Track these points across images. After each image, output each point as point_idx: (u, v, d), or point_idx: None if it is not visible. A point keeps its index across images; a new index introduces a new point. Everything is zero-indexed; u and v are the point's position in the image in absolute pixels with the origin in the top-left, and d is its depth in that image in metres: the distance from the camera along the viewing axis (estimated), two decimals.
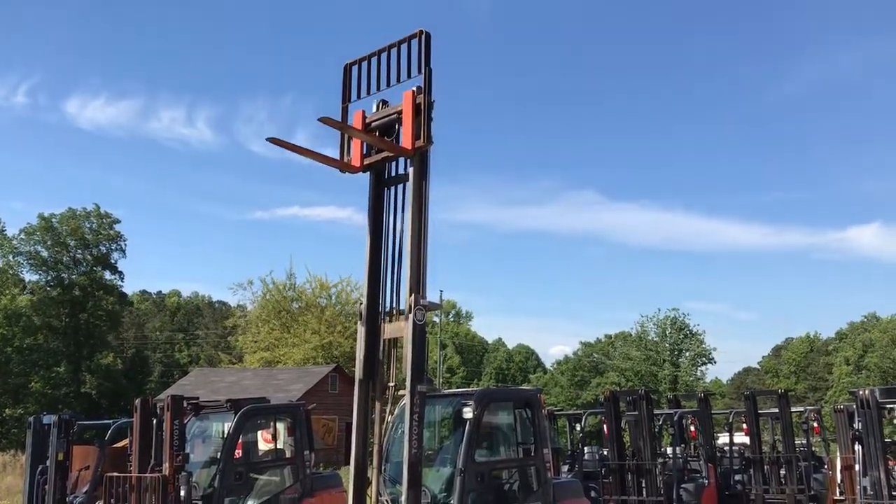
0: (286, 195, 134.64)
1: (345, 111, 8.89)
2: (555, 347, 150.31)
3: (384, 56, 8.69)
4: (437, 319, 60.74)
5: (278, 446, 12.35)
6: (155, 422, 10.76)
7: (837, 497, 15.02)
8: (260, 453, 12.47)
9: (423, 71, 8.16)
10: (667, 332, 73.20)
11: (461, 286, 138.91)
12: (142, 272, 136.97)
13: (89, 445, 13.67)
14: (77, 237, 57.57)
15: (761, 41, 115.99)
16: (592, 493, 13.30)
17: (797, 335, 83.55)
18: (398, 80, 8.55)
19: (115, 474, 10.76)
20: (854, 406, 8.39)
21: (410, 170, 8.14)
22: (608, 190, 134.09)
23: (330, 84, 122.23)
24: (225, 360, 54.62)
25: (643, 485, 13.78)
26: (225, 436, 11.37)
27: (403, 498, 7.71)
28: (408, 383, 7.85)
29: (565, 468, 16.56)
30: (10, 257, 57.26)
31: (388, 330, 8.20)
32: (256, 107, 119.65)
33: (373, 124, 8.57)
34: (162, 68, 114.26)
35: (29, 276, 58.69)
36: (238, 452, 11.49)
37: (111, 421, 13.20)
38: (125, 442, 13.19)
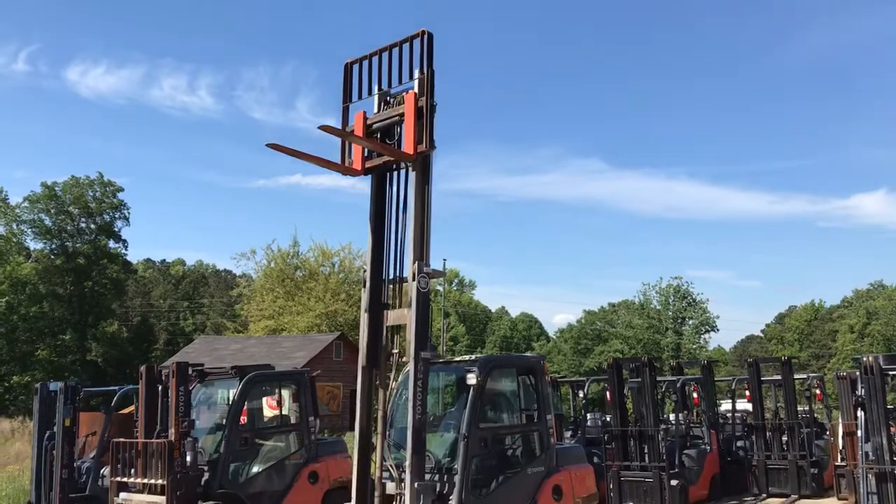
0: (289, 163, 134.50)
1: (345, 111, 8.77)
2: (558, 316, 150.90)
3: (385, 55, 8.54)
4: (440, 288, 60.84)
5: (283, 413, 12.44)
6: (160, 388, 10.83)
7: (839, 463, 15.15)
8: (265, 419, 12.57)
9: (425, 72, 8.08)
10: (669, 301, 73.36)
11: (464, 255, 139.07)
12: (145, 241, 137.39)
13: (96, 412, 13.79)
14: (80, 205, 57.59)
15: (766, 8, 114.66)
16: (595, 459, 13.38)
17: (801, 303, 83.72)
18: (400, 82, 8.44)
19: (122, 440, 10.87)
20: (857, 373, 8.40)
21: (412, 174, 8.09)
22: (612, 158, 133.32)
23: (331, 51, 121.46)
24: (230, 329, 54.92)
25: (645, 451, 13.87)
26: (230, 402, 11.45)
27: (407, 463, 7.77)
28: (411, 350, 7.88)
29: (568, 434, 16.66)
30: (14, 225, 57.36)
31: (391, 317, 8.23)
32: (258, 74, 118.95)
33: (374, 126, 8.48)
34: (162, 35, 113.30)
35: (33, 245, 58.91)
36: (243, 419, 11.58)
37: (117, 388, 13.30)
38: (131, 408, 13.30)
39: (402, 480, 7.89)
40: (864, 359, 7.91)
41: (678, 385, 16.24)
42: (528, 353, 60.33)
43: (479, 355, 9.99)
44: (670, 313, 72.66)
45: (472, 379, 8.49)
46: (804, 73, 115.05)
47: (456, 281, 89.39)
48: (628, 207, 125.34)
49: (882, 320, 66.64)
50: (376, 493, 8.14)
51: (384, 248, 8.56)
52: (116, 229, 60.10)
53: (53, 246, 58.04)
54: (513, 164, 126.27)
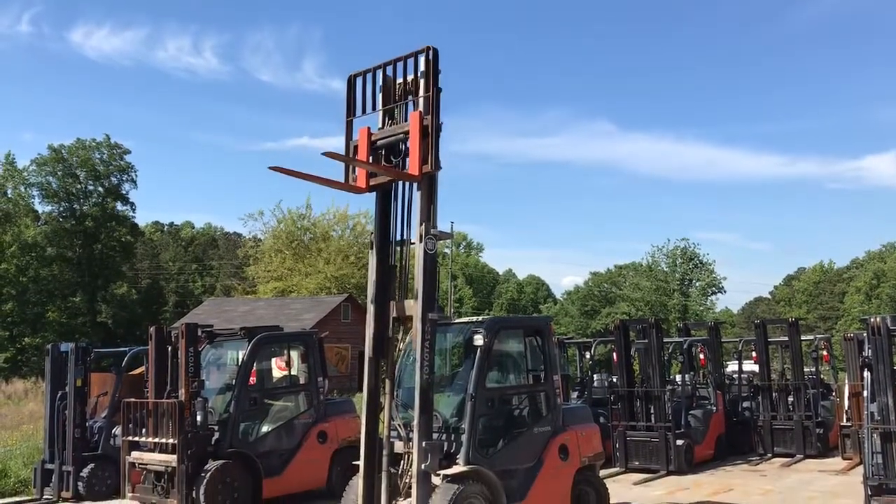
0: (296, 126, 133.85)
1: (349, 125, 8.69)
2: (566, 278, 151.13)
3: (390, 69, 8.42)
4: (447, 251, 60.87)
5: (292, 373, 12.54)
6: (170, 349, 10.92)
7: (844, 423, 15.25)
8: (274, 380, 12.68)
9: (430, 91, 7.96)
10: (677, 263, 73.22)
11: (472, 218, 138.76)
12: (153, 203, 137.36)
13: (106, 373, 13.93)
14: (87, 168, 57.57)
15: None
16: (601, 419, 13.51)
17: (810, 265, 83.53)
18: (404, 98, 8.34)
19: (133, 400, 10.99)
20: (864, 334, 8.39)
21: (417, 193, 8.03)
22: (621, 120, 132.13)
23: (335, 13, 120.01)
24: (239, 290, 55.17)
25: (651, 411, 13.98)
26: (239, 363, 11.54)
27: (415, 422, 7.84)
28: (418, 311, 7.91)
29: (574, 395, 16.78)
30: (22, 188, 57.45)
31: (398, 309, 8.25)
32: (263, 35, 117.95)
33: (378, 142, 8.42)
34: None
35: (41, 208, 59.05)
36: (252, 379, 11.68)
37: (127, 349, 13.42)
38: (141, 369, 13.41)
39: (409, 440, 7.97)
40: (872, 320, 7.90)
41: (685, 346, 16.29)
42: (535, 315, 60.50)
43: (486, 317, 10.02)
44: (677, 275, 72.58)
45: (479, 340, 8.54)
46: (816, 33, 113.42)
47: (463, 244, 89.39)
48: (637, 169, 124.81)
49: (891, 282, 66.43)
50: (384, 452, 8.23)
51: (390, 217, 8.52)
52: (124, 192, 60.14)
53: (62, 209, 58.16)
54: (521, 126, 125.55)
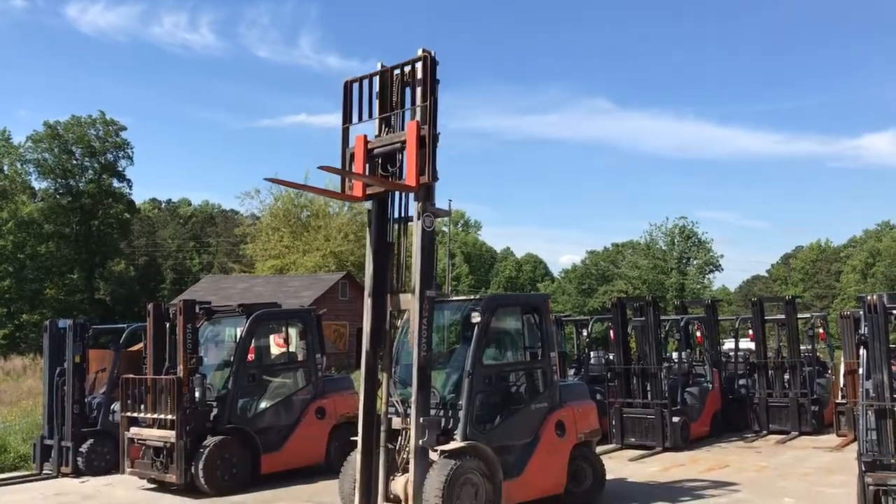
0: (293, 102, 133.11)
1: (345, 132, 8.66)
2: (564, 257, 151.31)
3: (386, 76, 8.38)
4: (445, 229, 60.78)
5: (290, 350, 12.58)
6: (168, 326, 10.94)
7: (839, 401, 15.35)
8: (272, 357, 12.72)
9: (428, 100, 7.92)
10: (675, 241, 73.27)
11: (470, 196, 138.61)
12: (150, 180, 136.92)
13: (105, 349, 13.95)
14: (83, 144, 57.32)
15: None
16: (598, 396, 13.57)
17: (808, 244, 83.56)
18: (401, 107, 8.28)
19: (131, 376, 11.03)
20: (860, 312, 8.41)
21: (415, 204, 8.04)
22: (619, 98, 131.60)
23: None
24: (236, 268, 55.16)
25: (648, 388, 14.05)
26: (237, 340, 11.57)
27: (413, 399, 7.89)
28: (416, 288, 7.93)
29: (571, 373, 16.84)
30: (18, 165, 57.24)
31: (393, 302, 8.31)
32: (259, 11, 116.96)
33: (375, 151, 8.41)
34: None
35: (38, 184, 58.87)
36: (251, 356, 11.71)
37: (125, 325, 13.43)
38: (140, 346, 13.45)
39: (407, 416, 8.02)
40: (868, 297, 7.92)
41: (682, 324, 16.34)
42: (532, 293, 60.59)
43: (483, 294, 10.06)
44: (675, 254, 72.66)
45: (476, 317, 8.57)
46: (816, 10, 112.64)
47: (461, 222, 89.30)
48: (635, 147, 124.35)
49: (886, 261, 66.55)
50: (382, 428, 8.29)
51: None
52: (120, 168, 59.94)
53: (58, 185, 58.00)
54: (519, 103, 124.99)
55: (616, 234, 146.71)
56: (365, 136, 8.35)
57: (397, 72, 8.34)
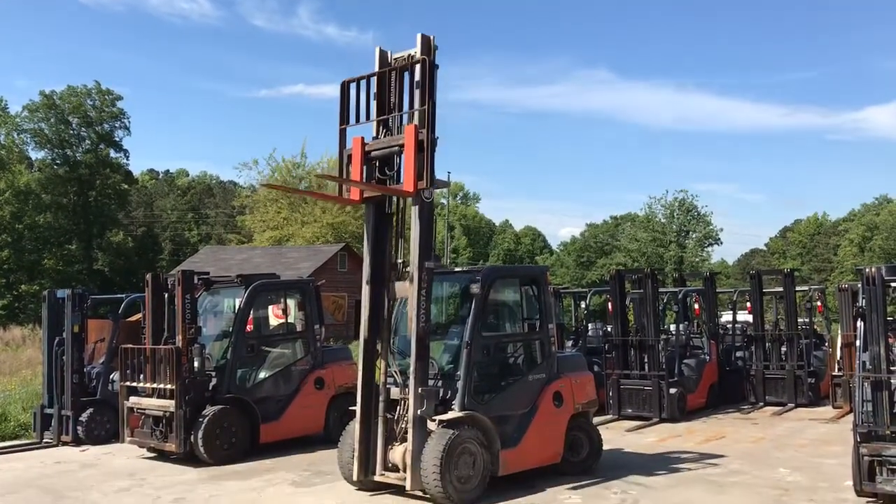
0: (291, 72, 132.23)
1: (342, 134, 8.59)
2: (564, 229, 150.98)
3: (384, 78, 8.31)
4: (444, 201, 60.67)
5: (289, 321, 12.59)
6: (166, 296, 10.93)
7: (836, 373, 15.42)
8: (271, 327, 12.73)
9: (426, 104, 7.84)
10: (674, 214, 73.22)
11: (469, 168, 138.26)
12: (148, 151, 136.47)
13: (104, 320, 13.95)
14: (80, 114, 57.01)
15: None
16: (595, 368, 13.61)
17: (806, 216, 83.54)
18: (399, 109, 8.18)
19: (130, 346, 11.04)
20: (858, 284, 8.42)
21: (413, 207, 8.01)
22: (620, 68, 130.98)
23: None
24: (234, 240, 55.10)
25: (645, 360, 14.09)
26: (236, 310, 11.58)
27: (412, 369, 7.92)
28: (415, 259, 7.92)
29: (569, 344, 16.88)
30: (15, 134, 56.95)
31: (398, 289, 8.30)
32: None
33: (372, 153, 8.35)
34: None
35: (35, 154, 58.63)
36: (249, 326, 11.72)
37: (124, 295, 13.43)
38: (138, 316, 13.45)
39: (406, 386, 8.05)
40: (867, 270, 7.92)
41: (680, 296, 16.37)
42: (531, 265, 60.60)
43: (482, 266, 10.06)
44: (674, 227, 72.63)
45: (475, 288, 8.57)
46: None
47: (460, 194, 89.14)
48: (636, 119, 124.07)
49: (883, 234, 66.55)
50: (381, 399, 8.33)
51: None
52: (117, 139, 59.70)
53: (55, 155, 57.78)
54: (519, 74, 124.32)
55: (616, 207, 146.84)
56: (362, 139, 8.30)
57: (395, 73, 8.29)
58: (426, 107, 7.81)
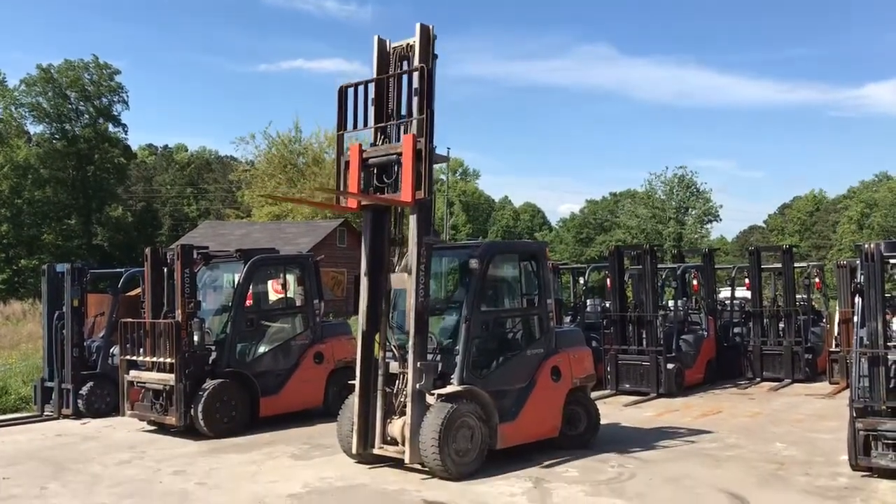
0: (290, 46, 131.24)
1: (340, 139, 8.58)
2: (564, 206, 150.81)
3: (382, 84, 8.25)
4: (443, 177, 60.57)
5: (288, 296, 12.61)
6: (166, 271, 10.94)
7: (833, 349, 15.49)
8: (270, 302, 12.75)
9: (424, 113, 7.78)
10: (674, 191, 73.09)
11: (469, 144, 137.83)
12: (146, 126, 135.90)
13: (103, 294, 13.98)
14: (77, 88, 56.64)
15: None
16: (593, 343, 13.67)
17: (805, 194, 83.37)
18: (397, 117, 8.11)
19: (130, 320, 11.07)
20: (857, 261, 8.43)
21: (412, 217, 7.96)
22: (621, 44, 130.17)
23: None
24: (233, 215, 55.01)
25: (643, 335, 14.14)
26: (235, 285, 11.59)
27: (410, 343, 7.95)
28: (414, 235, 7.92)
29: (567, 320, 16.92)
30: (13, 108, 56.64)
31: (395, 280, 8.33)
32: None
33: (370, 160, 8.30)
34: None
35: (33, 129, 58.35)
36: (249, 301, 11.75)
37: (123, 270, 13.43)
38: (138, 290, 13.47)
39: (405, 360, 8.09)
40: (866, 245, 7.92)
41: (678, 272, 16.40)
42: (530, 240, 60.56)
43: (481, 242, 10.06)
44: (674, 203, 72.52)
45: (474, 264, 8.58)
46: None
47: (459, 170, 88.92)
48: (636, 95, 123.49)
49: (882, 211, 66.46)
50: (380, 372, 8.36)
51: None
52: (116, 113, 59.36)
53: (53, 130, 57.49)
54: (520, 48, 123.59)
55: (616, 184, 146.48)
56: (360, 146, 8.27)
57: (392, 80, 8.24)
58: (424, 116, 7.79)
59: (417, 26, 8.03)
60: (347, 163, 8.35)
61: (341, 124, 8.44)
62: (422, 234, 7.86)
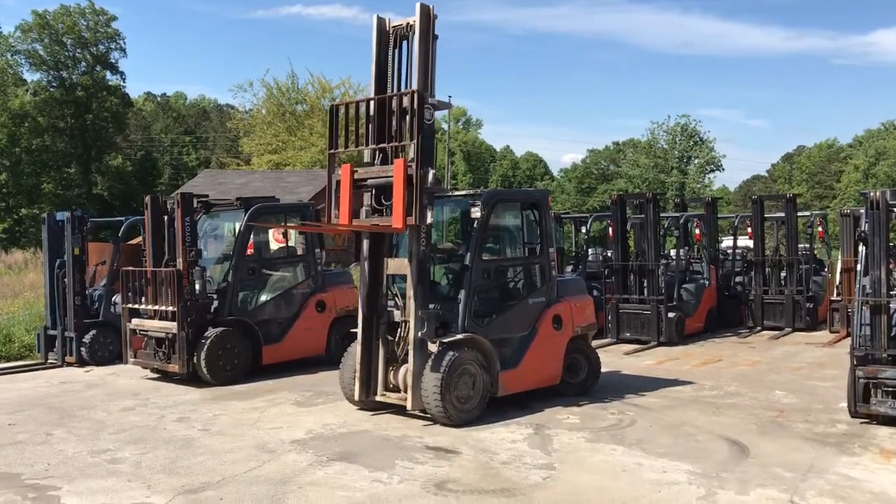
0: None
1: (331, 158, 8.41)
2: (567, 155, 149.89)
3: (374, 104, 8.08)
4: (445, 126, 60.07)
5: (289, 245, 12.59)
6: (166, 219, 10.90)
7: (834, 297, 15.52)
8: (272, 251, 12.74)
9: (416, 137, 7.60)
10: (676, 140, 72.52)
11: (471, 93, 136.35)
12: (144, 74, 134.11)
13: (104, 243, 13.95)
14: (74, 35, 55.78)
15: None
16: (595, 292, 13.69)
17: (810, 143, 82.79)
18: (388, 140, 7.91)
19: (131, 268, 11.07)
20: (861, 210, 8.37)
21: (408, 236, 7.87)
22: None
23: None
24: (233, 164, 54.70)
25: (645, 284, 14.15)
26: (236, 234, 11.56)
27: (411, 292, 7.94)
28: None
29: (569, 269, 16.92)
30: (9, 55, 55.90)
31: (393, 266, 8.30)
32: None
33: (367, 181, 8.16)
34: None
35: (29, 76, 57.64)
36: (250, 250, 11.73)
37: (123, 218, 13.39)
38: (139, 239, 13.45)
39: (406, 308, 8.09)
40: (871, 193, 7.85)
41: (681, 221, 16.33)
42: (532, 189, 60.30)
43: (483, 190, 9.97)
44: (676, 152, 72.02)
45: (476, 212, 8.52)
46: None
47: (462, 120, 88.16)
48: (640, 42, 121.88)
49: (889, 160, 65.99)
50: (382, 321, 8.38)
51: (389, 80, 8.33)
52: (113, 60, 58.55)
53: (50, 77, 56.80)
54: None
55: (619, 132, 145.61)
56: (351, 167, 8.15)
57: (385, 101, 8.08)
58: (417, 140, 7.66)
59: (417, 6, 7.92)
60: (339, 183, 8.22)
61: (333, 143, 8.36)
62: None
